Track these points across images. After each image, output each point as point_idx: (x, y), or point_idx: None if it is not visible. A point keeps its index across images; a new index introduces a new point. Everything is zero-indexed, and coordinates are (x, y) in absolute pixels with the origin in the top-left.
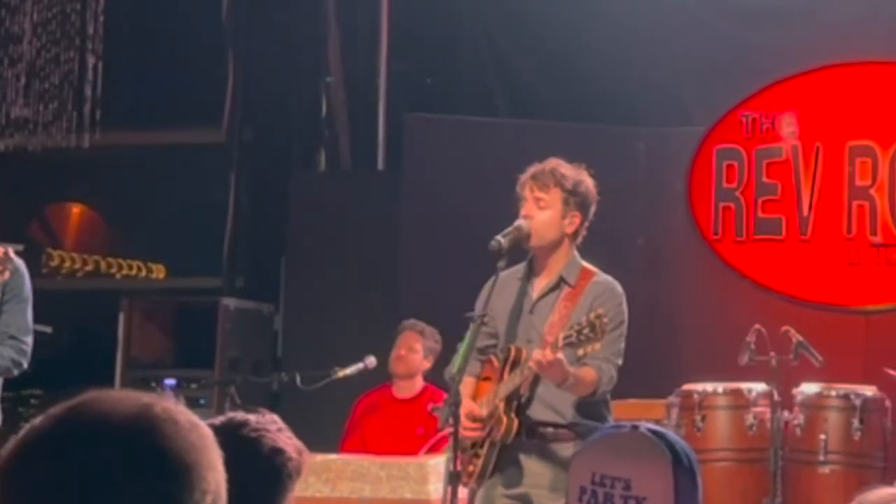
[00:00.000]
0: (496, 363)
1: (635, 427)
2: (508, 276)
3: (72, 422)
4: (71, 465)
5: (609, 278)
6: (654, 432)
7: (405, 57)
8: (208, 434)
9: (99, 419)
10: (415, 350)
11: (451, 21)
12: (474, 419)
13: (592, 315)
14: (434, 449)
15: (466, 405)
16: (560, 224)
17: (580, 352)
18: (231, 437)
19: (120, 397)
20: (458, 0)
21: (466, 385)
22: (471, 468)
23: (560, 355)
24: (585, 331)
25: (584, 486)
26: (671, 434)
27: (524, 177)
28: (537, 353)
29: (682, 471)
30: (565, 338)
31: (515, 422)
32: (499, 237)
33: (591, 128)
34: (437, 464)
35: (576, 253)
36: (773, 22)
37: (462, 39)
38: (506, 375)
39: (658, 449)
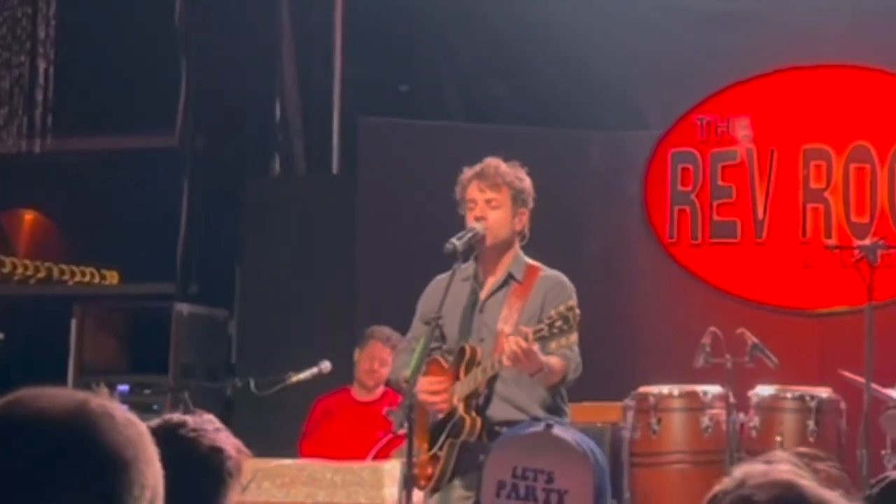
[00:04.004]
0: (444, 364)
1: (549, 426)
2: (455, 278)
3: (7, 418)
4: (8, 461)
5: (556, 272)
6: (567, 431)
7: (359, 61)
8: (144, 430)
9: (35, 415)
10: (386, 364)
11: (406, 25)
12: (435, 391)
13: (563, 308)
14: (383, 452)
15: (423, 381)
16: (511, 223)
17: (553, 345)
18: (170, 438)
19: (55, 394)
20: (413, 4)
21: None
22: (429, 471)
23: (535, 347)
24: (558, 323)
25: (504, 480)
26: (579, 434)
27: (466, 177)
28: (512, 344)
29: (599, 469)
30: (536, 332)
31: (478, 420)
32: (453, 240)
33: (545, 131)
34: (392, 468)
35: (520, 250)
36: (728, 25)
37: (417, 43)
38: (462, 375)
39: (578, 447)
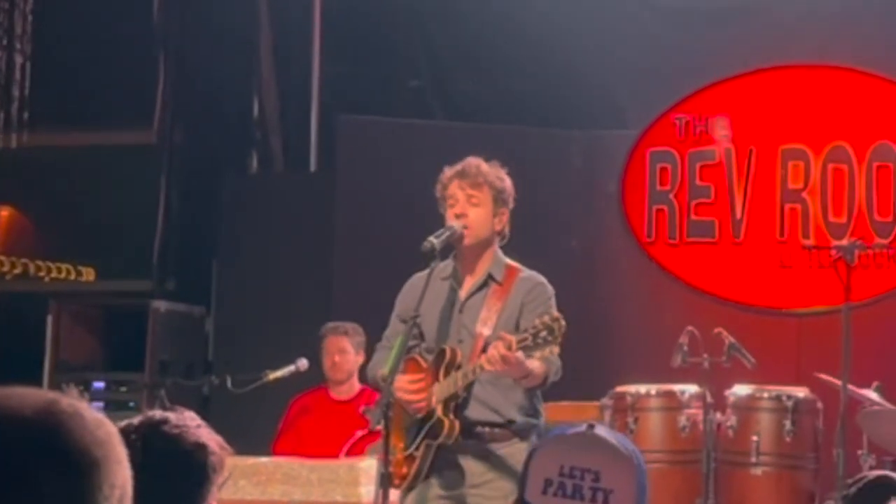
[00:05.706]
0: (423, 363)
1: (591, 426)
2: (433, 276)
3: None
4: None
5: (535, 273)
6: (609, 432)
7: (338, 58)
8: (114, 430)
9: (4, 414)
10: (346, 351)
11: (386, 22)
12: (415, 390)
13: (548, 318)
14: (358, 448)
15: (402, 379)
16: (492, 222)
17: (537, 354)
18: (153, 434)
19: (24, 393)
20: (393, 1)
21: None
22: (404, 470)
23: (519, 354)
24: (543, 334)
25: (551, 478)
26: (620, 435)
27: (447, 176)
28: (495, 351)
29: (641, 471)
30: (520, 341)
31: (456, 423)
32: (431, 238)
33: (525, 130)
34: (368, 466)
35: (500, 251)
36: (707, 25)
37: (396, 41)
38: (441, 377)
39: (621, 448)
